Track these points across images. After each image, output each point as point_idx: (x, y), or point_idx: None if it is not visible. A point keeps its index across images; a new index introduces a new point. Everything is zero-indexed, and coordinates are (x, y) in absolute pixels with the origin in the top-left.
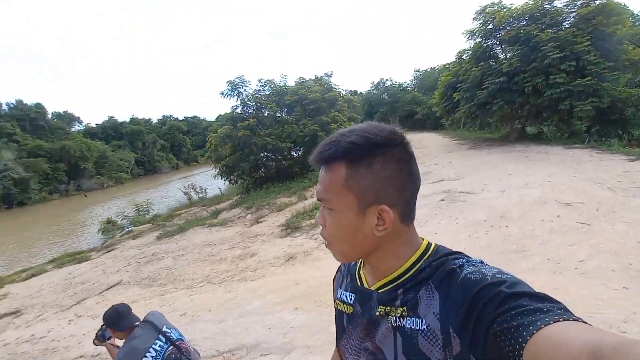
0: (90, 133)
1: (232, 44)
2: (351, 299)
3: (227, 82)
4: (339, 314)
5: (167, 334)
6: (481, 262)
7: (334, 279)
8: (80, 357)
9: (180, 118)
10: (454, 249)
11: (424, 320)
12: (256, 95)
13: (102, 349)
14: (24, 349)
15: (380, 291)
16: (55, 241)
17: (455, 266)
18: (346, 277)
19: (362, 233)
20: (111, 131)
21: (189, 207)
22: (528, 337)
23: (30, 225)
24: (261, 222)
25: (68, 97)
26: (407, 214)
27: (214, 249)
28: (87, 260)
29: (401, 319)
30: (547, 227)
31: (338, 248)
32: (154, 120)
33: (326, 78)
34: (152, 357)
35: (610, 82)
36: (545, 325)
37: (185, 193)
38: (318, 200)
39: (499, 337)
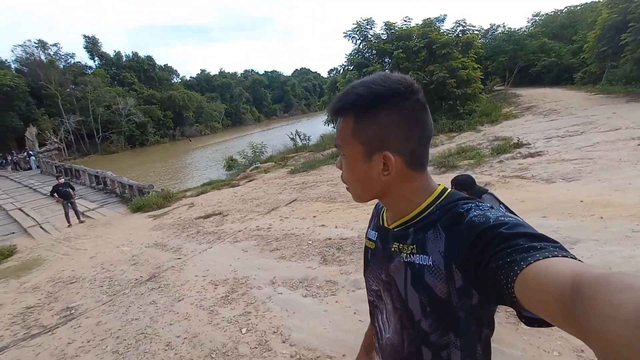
0: (187, 85)
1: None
2: (374, 236)
3: (352, 23)
4: (366, 250)
5: (505, 206)
6: (490, 207)
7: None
8: (329, 238)
9: (261, 72)
10: None
11: (430, 257)
12: (379, 39)
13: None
14: (262, 233)
15: (395, 230)
16: (185, 173)
17: (462, 210)
18: (374, 218)
19: (370, 177)
20: (204, 83)
21: (297, 152)
22: (518, 272)
23: (155, 161)
24: None
25: (162, 51)
26: (414, 160)
27: None
28: (238, 186)
29: (411, 255)
30: None
31: (353, 190)
32: (238, 74)
33: (437, 23)
34: None
35: None
36: (535, 261)
37: (292, 139)
38: (334, 146)
39: (495, 273)
